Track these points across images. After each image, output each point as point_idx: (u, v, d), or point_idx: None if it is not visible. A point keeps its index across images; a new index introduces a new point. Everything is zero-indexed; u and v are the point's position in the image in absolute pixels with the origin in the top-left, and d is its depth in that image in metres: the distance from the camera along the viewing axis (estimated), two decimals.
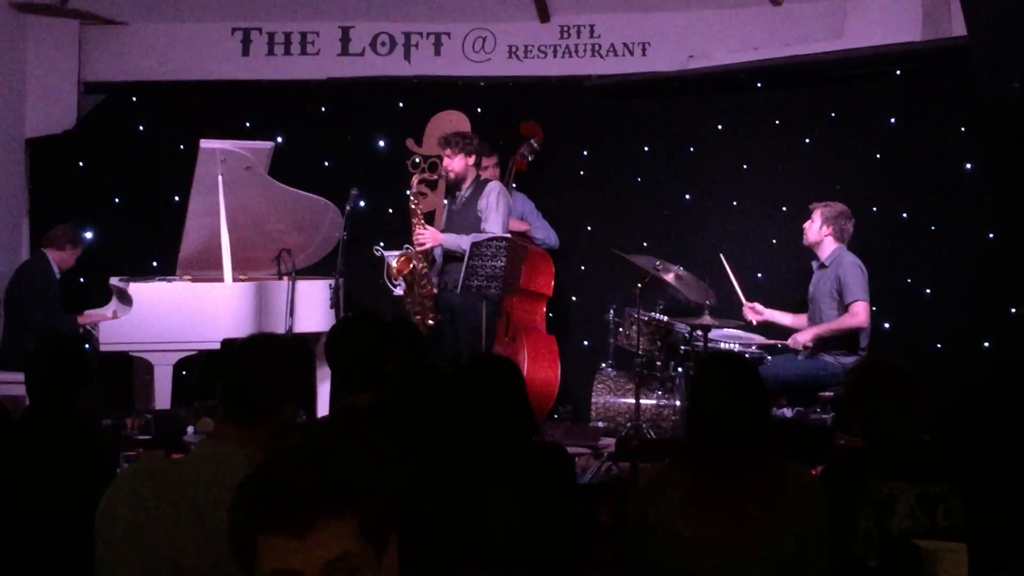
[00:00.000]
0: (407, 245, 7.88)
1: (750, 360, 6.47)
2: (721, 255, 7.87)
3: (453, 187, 8.03)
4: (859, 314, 7.34)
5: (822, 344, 7.41)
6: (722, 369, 3.77)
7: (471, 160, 7.92)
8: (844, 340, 7.41)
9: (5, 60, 9.20)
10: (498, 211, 7.84)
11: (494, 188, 7.92)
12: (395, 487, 1.92)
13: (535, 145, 9.01)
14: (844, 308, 7.38)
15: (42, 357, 4.46)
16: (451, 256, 7.82)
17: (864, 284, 7.39)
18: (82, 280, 9.17)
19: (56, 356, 4.47)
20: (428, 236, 7.75)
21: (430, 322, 7.81)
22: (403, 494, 1.91)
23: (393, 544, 1.88)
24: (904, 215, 8.40)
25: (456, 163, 7.84)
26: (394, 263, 7.81)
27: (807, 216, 7.65)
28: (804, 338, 7.44)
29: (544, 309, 8.85)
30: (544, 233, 8.89)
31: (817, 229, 7.59)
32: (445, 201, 8.28)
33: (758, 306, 7.89)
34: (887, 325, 8.20)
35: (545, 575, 3.50)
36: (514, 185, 8.90)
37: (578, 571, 3.68)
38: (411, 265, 7.73)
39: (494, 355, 4.23)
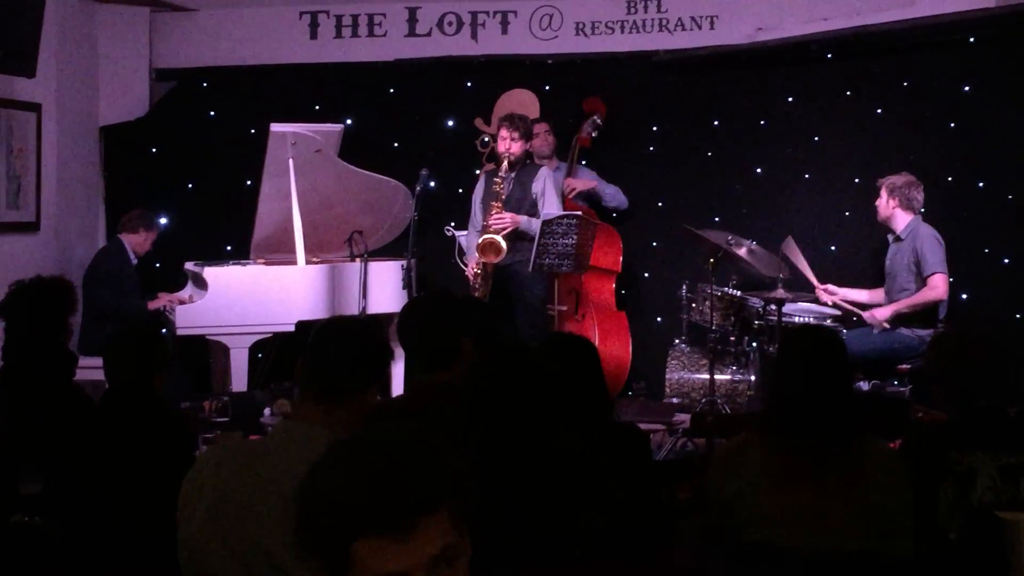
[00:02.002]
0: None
1: (837, 334, 6.40)
2: (783, 247, 7.74)
3: (496, 168, 8.00)
4: (938, 287, 7.25)
5: (899, 317, 7.34)
6: (810, 342, 3.75)
7: (527, 145, 7.94)
8: (921, 313, 7.32)
9: (78, 48, 9.29)
10: (555, 193, 7.97)
11: (545, 172, 8.00)
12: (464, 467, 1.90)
13: (599, 121, 8.95)
14: (922, 281, 7.30)
15: (121, 341, 4.51)
16: (516, 236, 7.80)
17: (942, 256, 7.29)
18: (158, 265, 9.27)
19: (135, 340, 4.52)
20: (509, 219, 7.71)
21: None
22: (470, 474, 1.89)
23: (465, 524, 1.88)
24: (980, 184, 8.29)
25: (518, 146, 7.82)
26: (477, 253, 7.71)
27: (877, 192, 7.59)
28: (883, 315, 7.37)
29: (614, 286, 8.82)
30: (612, 190, 8.87)
31: (885, 203, 7.52)
32: (482, 179, 8.20)
33: (831, 287, 7.80)
34: (964, 296, 8.10)
35: (626, 555, 3.49)
36: (583, 163, 8.93)
37: (658, 549, 3.68)
38: (502, 248, 7.63)
39: (571, 334, 4.22)
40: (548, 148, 8.82)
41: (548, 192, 7.87)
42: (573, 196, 8.66)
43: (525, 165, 7.95)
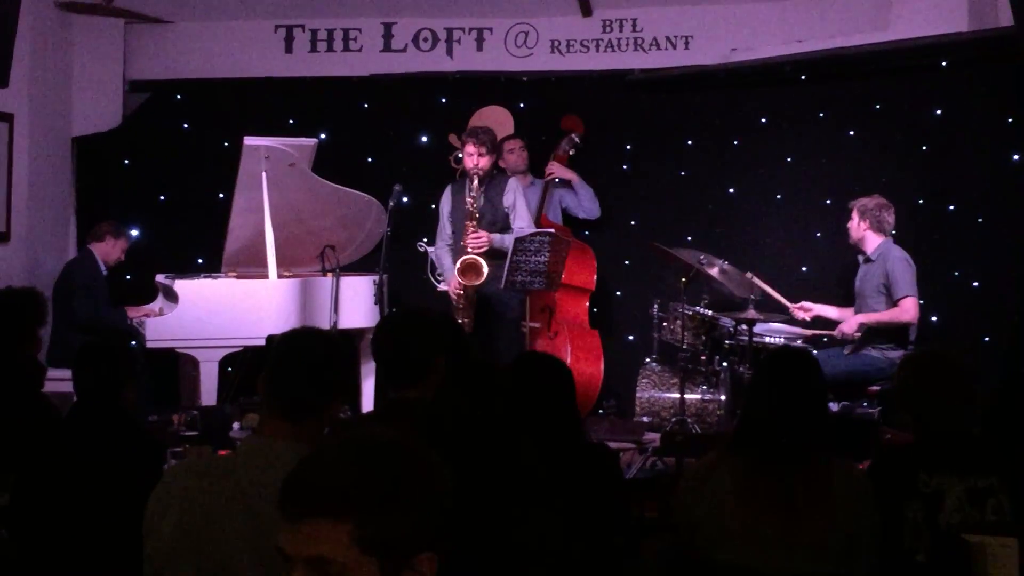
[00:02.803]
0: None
1: (813, 356, 6.45)
2: (750, 274, 7.79)
3: (463, 183, 7.96)
4: (909, 310, 7.29)
5: (869, 338, 7.37)
6: (787, 362, 3.77)
7: (493, 158, 7.90)
8: (891, 334, 7.37)
9: (51, 59, 9.25)
10: (526, 207, 7.95)
11: (514, 185, 7.95)
12: (434, 503, 1.91)
13: (576, 139, 9.03)
14: (892, 303, 7.34)
15: (90, 354, 4.48)
16: (492, 254, 7.76)
17: (912, 279, 7.34)
18: (128, 277, 9.23)
19: (104, 353, 4.49)
20: (486, 238, 7.61)
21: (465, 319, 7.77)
22: (444, 510, 1.88)
23: (428, 564, 1.87)
24: (951, 207, 8.33)
25: (485, 161, 7.75)
26: (458, 275, 7.58)
27: (849, 214, 7.64)
28: (850, 328, 7.41)
29: (587, 304, 8.84)
30: (589, 193, 8.99)
31: (856, 225, 7.58)
32: (448, 191, 8.11)
33: (806, 304, 7.87)
34: (935, 318, 8.14)
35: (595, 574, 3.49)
36: (557, 180, 8.94)
37: (626, 569, 3.68)
38: (483, 271, 7.54)
39: (544, 354, 4.22)
40: (523, 164, 8.88)
41: (519, 206, 7.83)
42: (551, 179, 8.90)
43: (492, 178, 7.89)
